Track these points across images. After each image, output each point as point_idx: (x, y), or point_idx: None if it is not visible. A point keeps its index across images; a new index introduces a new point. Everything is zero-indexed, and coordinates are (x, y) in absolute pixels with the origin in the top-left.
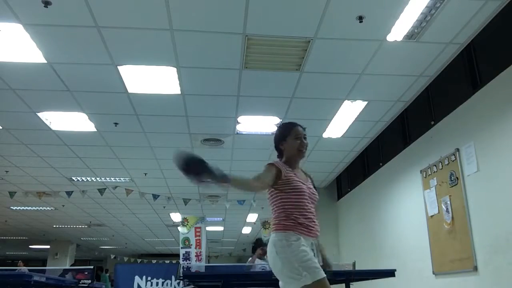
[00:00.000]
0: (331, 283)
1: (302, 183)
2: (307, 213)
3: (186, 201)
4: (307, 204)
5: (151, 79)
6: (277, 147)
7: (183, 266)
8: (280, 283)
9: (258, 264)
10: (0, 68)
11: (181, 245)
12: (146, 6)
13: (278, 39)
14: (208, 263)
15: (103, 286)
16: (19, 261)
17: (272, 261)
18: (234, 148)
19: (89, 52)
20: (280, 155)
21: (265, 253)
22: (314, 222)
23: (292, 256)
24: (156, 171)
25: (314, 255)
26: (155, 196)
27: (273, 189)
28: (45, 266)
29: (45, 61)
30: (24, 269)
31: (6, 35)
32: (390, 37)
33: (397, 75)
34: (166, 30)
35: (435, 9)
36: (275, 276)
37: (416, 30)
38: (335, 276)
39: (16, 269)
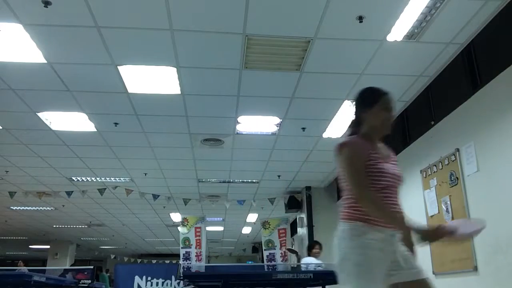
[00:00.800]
0: (330, 283)
1: (384, 162)
2: (387, 199)
3: (186, 201)
4: (389, 188)
5: (151, 79)
6: (357, 115)
7: (183, 266)
8: None
9: (311, 264)
10: (0, 68)
11: (181, 245)
12: (146, 6)
13: (278, 39)
14: (208, 263)
15: (102, 286)
16: (19, 261)
17: (335, 254)
18: (234, 148)
19: (89, 52)
20: (355, 125)
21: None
22: (397, 210)
23: (350, 253)
24: (156, 171)
25: (395, 251)
26: (155, 196)
27: None
28: (45, 266)
29: (45, 61)
30: (24, 269)
31: (6, 35)
32: (390, 37)
33: (397, 75)
34: (166, 30)
35: (435, 9)
36: (275, 276)
37: (416, 30)
38: (335, 276)
39: (16, 269)
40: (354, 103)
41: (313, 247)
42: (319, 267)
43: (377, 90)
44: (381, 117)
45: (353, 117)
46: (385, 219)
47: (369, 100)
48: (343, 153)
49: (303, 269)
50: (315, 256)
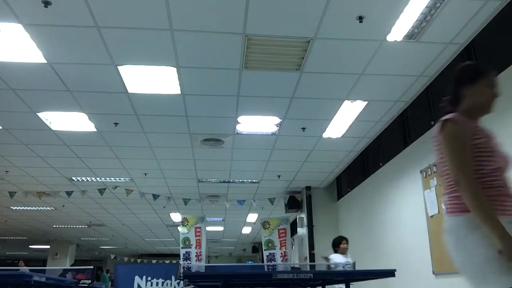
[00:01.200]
0: (330, 283)
1: (494, 141)
2: (498, 182)
3: (186, 201)
4: (500, 170)
5: (151, 79)
6: (456, 91)
7: (183, 266)
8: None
9: (341, 263)
10: (0, 68)
11: (181, 245)
12: (146, 6)
13: (278, 39)
14: (208, 263)
15: (103, 286)
16: (20, 261)
17: (451, 254)
18: (234, 148)
19: (89, 52)
20: (452, 103)
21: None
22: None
23: (476, 248)
24: (156, 171)
25: None
26: (155, 196)
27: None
28: (45, 266)
29: (45, 61)
30: (25, 268)
31: (6, 35)
32: (390, 37)
33: (397, 75)
34: (166, 30)
35: (435, 9)
36: (275, 276)
37: (416, 30)
38: (335, 276)
39: (17, 269)
40: (455, 78)
41: (340, 242)
42: (348, 266)
43: (481, 66)
44: (485, 94)
45: (450, 94)
46: (481, 215)
47: (472, 75)
48: (447, 130)
49: (332, 269)
50: (343, 252)
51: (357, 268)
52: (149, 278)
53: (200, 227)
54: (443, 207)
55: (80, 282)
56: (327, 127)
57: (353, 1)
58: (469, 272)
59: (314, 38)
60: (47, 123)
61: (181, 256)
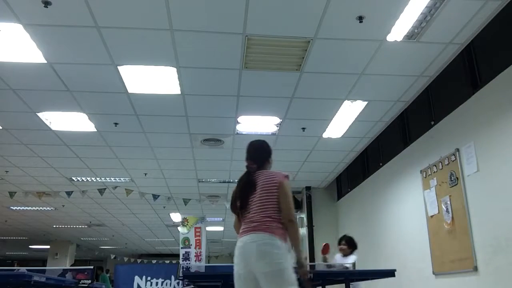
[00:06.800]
0: (331, 283)
1: None
2: None
3: (186, 201)
4: None
5: (151, 79)
6: (266, 158)
7: (182, 266)
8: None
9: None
10: (0, 68)
11: (181, 245)
12: (146, 6)
13: (278, 39)
14: (208, 263)
15: (103, 286)
16: (15, 263)
17: (259, 260)
18: (234, 148)
19: (89, 52)
20: (262, 165)
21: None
22: None
23: (282, 263)
24: (156, 171)
25: None
26: (155, 196)
27: None
28: (45, 266)
29: (45, 61)
30: (22, 269)
31: (6, 35)
32: (390, 37)
33: (397, 75)
34: (166, 30)
35: (435, 9)
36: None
37: (416, 30)
38: (335, 276)
39: (14, 269)
40: (265, 150)
41: (338, 243)
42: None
43: None
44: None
45: (259, 160)
46: (298, 246)
47: (271, 150)
48: (288, 182)
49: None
50: (341, 253)
51: (357, 268)
52: (149, 278)
53: (200, 227)
54: (255, 224)
55: (80, 282)
56: (327, 127)
57: (353, 1)
58: (274, 274)
59: (314, 38)
60: (47, 123)
61: (181, 256)
